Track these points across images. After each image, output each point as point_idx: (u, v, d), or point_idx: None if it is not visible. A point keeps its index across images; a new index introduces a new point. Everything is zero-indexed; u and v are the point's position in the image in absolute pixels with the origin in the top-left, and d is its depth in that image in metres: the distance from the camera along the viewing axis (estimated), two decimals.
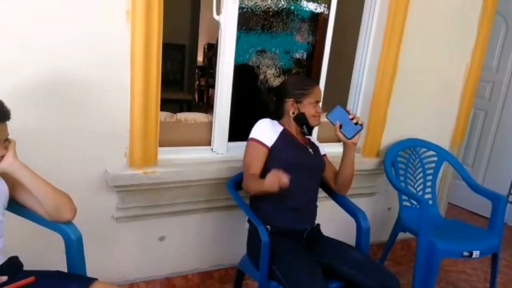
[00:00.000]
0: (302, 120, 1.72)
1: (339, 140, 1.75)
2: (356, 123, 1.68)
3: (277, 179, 1.43)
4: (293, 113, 1.72)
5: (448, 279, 2.53)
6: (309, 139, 1.85)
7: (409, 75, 2.37)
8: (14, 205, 1.29)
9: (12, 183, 1.27)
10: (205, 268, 2.14)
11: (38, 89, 1.54)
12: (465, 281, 2.54)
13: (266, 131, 1.70)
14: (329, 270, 1.57)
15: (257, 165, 1.66)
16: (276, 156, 1.67)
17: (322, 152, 1.85)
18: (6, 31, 1.45)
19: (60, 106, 1.60)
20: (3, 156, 1.17)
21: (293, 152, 1.70)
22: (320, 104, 1.76)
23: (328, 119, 1.71)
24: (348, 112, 1.70)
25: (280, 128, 1.73)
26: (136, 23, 1.60)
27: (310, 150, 1.78)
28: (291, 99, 1.71)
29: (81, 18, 1.54)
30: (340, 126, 1.68)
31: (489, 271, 2.26)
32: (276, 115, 1.78)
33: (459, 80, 2.61)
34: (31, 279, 1.05)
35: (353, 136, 1.69)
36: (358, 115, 2.38)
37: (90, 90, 1.63)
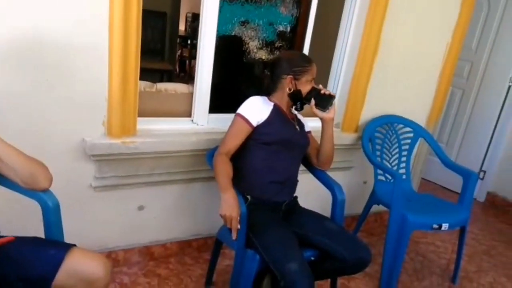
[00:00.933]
0: (297, 97, 1.72)
1: (316, 116, 1.77)
2: (328, 94, 1.70)
3: (229, 214, 1.47)
4: (290, 89, 1.72)
5: (417, 250, 2.65)
6: (296, 115, 1.86)
7: (391, 53, 2.39)
8: None
9: None
10: (184, 237, 2.17)
11: (11, 51, 1.48)
12: (434, 252, 2.66)
13: (255, 109, 1.70)
14: (304, 240, 1.62)
15: (235, 143, 1.67)
16: (266, 131, 1.68)
17: (306, 129, 1.87)
18: None
19: (36, 70, 1.55)
20: None
21: (283, 129, 1.72)
22: None
23: (303, 101, 1.72)
24: (318, 88, 1.71)
25: (271, 104, 1.73)
26: None
27: (297, 127, 1.80)
28: (290, 76, 1.70)
29: None
30: (315, 103, 1.70)
31: (456, 243, 2.38)
32: (267, 90, 1.78)
33: (439, 58, 2.65)
34: (11, 237, 1.05)
35: (328, 108, 1.71)
36: (338, 91, 2.42)
37: (67, 55, 1.58)
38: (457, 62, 2.74)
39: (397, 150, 2.55)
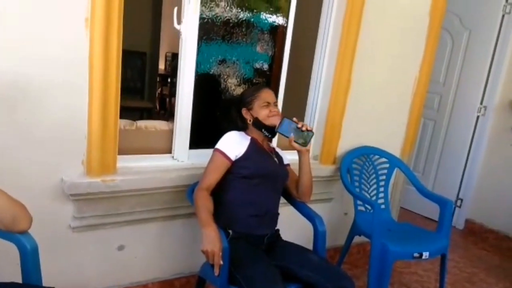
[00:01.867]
0: (258, 125, 1.79)
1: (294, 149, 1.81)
2: (306, 130, 1.75)
3: (211, 249, 1.46)
4: (250, 120, 1.80)
5: (401, 281, 2.65)
6: (274, 149, 1.91)
7: (362, 88, 2.50)
8: None
9: None
10: (166, 276, 2.13)
11: None
12: (417, 282, 2.67)
13: (232, 143, 1.74)
14: (287, 273, 1.62)
15: (214, 177, 1.70)
16: (245, 165, 1.71)
17: (285, 162, 1.91)
18: None
19: (14, 110, 1.55)
20: None
21: (261, 162, 1.76)
22: (277, 105, 1.84)
23: (279, 132, 1.76)
24: (296, 122, 1.76)
25: (248, 139, 1.78)
26: (95, 31, 1.59)
27: (276, 159, 1.84)
28: (244, 108, 1.81)
29: (40, 21, 1.52)
30: (295, 137, 1.75)
31: (438, 271, 2.40)
32: (242, 127, 1.84)
33: (409, 92, 2.78)
34: None
35: (308, 143, 1.77)
36: (315, 124, 2.49)
37: (46, 94, 1.59)
38: (427, 94, 2.88)
39: (374, 180, 2.61)
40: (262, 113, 1.77)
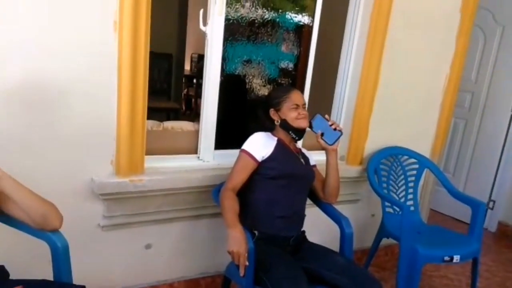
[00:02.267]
0: (286, 127, 1.77)
1: (321, 148, 1.81)
2: (335, 129, 1.75)
3: (237, 250, 1.46)
4: (277, 121, 1.78)
5: (431, 284, 2.58)
6: (300, 149, 1.89)
7: (391, 86, 2.44)
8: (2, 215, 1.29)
9: None
10: (192, 275, 2.14)
11: (22, 95, 1.54)
12: (447, 286, 2.59)
13: (259, 144, 1.74)
14: (313, 275, 1.60)
15: (240, 178, 1.70)
16: (271, 166, 1.71)
17: (312, 163, 1.90)
18: None
19: (45, 113, 1.60)
20: None
21: (288, 163, 1.75)
22: (306, 107, 1.81)
23: (309, 127, 1.77)
24: (328, 120, 1.77)
25: (275, 140, 1.78)
26: (123, 33, 1.62)
27: (302, 160, 1.83)
28: (272, 109, 1.79)
29: (69, 26, 1.56)
30: (322, 134, 1.74)
31: (470, 275, 2.32)
32: (269, 127, 1.83)
33: (439, 90, 2.70)
34: (19, 287, 1.05)
35: (334, 142, 1.76)
36: (341, 124, 2.45)
37: (77, 97, 1.64)
38: (458, 93, 2.78)
39: (403, 181, 2.54)
40: (290, 115, 1.76)
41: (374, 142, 2.47)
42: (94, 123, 1.70)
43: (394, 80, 2.45)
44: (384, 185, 2.48)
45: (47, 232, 1.29)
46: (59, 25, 1.54)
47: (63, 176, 1.69)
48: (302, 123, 1.76)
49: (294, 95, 1.78)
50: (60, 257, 1.30)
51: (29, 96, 1.56)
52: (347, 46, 2.39)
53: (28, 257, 1.58)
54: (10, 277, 1.28)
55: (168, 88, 4.91)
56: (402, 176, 2.54)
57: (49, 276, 1.32)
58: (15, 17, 1.47)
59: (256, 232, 1.68)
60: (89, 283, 1.32)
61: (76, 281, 1.35)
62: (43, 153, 1.63)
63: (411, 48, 2.47)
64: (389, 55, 2.35)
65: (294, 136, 1.78)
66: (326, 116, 1.79)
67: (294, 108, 1.75)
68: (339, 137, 1.77)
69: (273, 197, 1.72)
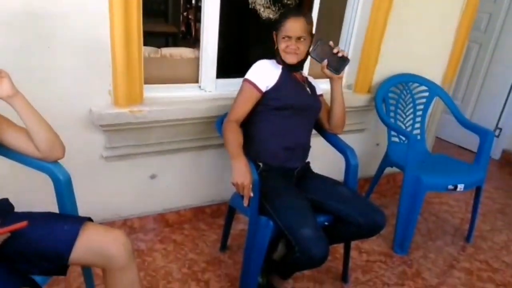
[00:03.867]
0: (278, 55, 1.65)
1: (326, 77, 1.70)
2: (342, 56, 1.62)
3: (242, 182, 1.42)
4: (276, 47, 1.66)
5: (430, 210, 2.64)
6: (306, 78, 1.79)
7: (405, 8, 2.26)
8: (1, 148, 1.25)
9: None
10: (197, 203, 2.19)
11: (14, 20, 1.43)
12: (447, 212, 2.65)
13: (263, 73, 1.64)
14: (317, 205, 1.61)
15: (243, 109, 1.63)
16: (276, 96, 1.63)
17: (318, 92, 1.81)
18: None
19: (38, 38, 1.50)
20: None
21: (293, 93, 1.66)
22: (303, 39, 1.60)
23: (312, 56, 1.63)
24: (332, 46, 1.62)
25: (279, 68, 1.67)
26: None
27: (308, 89, 1.74)
28: (274, 32, 1.65)
29: None
30: (327, 63, 1.62)
31: (470, 202, 2.36)
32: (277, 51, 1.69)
33: (456, 11, 2.51)
34: (23, 223, 1.05)
35: (341, 71, 1.65)
36: (351, 50, 2.32)
37: (68, 21, 1.52)
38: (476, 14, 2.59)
39: (411, 110, 2.48)
40: (280, 46, 1.63)
41: (384, 69, 2.36)
42: (88, 49, 1.59)
43: (409, 3, 2.26)
44: (392, 114, 2.41)
45: (48, 163, 1.26)
46: None
47: (63, 106, 1.63)
48: (289, 58, 1.62)
49: (289, 23, 1.59)
50: (63, 189, 1.29)
51: (22, 22, 1.45)
52: None
53: (33, 190, 1.58)
54: (15, 210, 1.28)
55: (165, 9, 4.63)
56: (411, 105, 2.47)
57: (55, 208, 1.32)
58: None
59: (260, 163, 1.66)
60: (95, 214, 1.34)
61: (82, 212, 1.35)
62: (41, 83, 1.56)
63: None
64: None
65: (284, 68, 1.66)
66: (330, 42, 1.62)
67: (284, 39, 1.61)
68: (346, 65, 1.64)
69: (277, 129, 1.67)
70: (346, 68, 2.32)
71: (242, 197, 1.49)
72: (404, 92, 2.45)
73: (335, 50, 1.61)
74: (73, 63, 1.59)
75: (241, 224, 2.18)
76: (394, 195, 2.66)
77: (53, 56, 1.54)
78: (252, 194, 1.46)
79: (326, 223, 1.63)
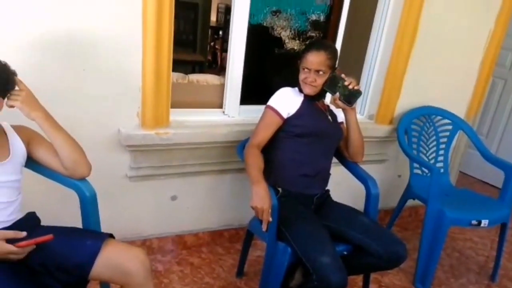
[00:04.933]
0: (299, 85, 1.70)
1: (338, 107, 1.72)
2: (354, 89, 1.64)
3: (261, 206, 1.43)
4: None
5: (454, 246, 2.56)
6: (328, 106, 1.82)
7: (429, 41, 2.29)
8: (30, 162, 1.31)
9: (28, 139, 1.28)
10: (216, 227, 2.20)
11: (50, 47, 1.53)
12: (471, 249, 2.57)
13: (285, 100, 1.68)
14: (336, 234, 1.59)
15: (265, 134, 1.66)
16: (297, 123, 1.66)
17: (339, 120, 1.83)
18: None
19: (73, 64, 1.59)
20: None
21: (315, 120, 1.69)
22: (322, 72, 1.63)
23: (325, 89, 1.67)
24: (344, 79, 1.64)
25: (301, 96, 1.71)
26: None
27: (330, 117, 1.76)
28: (298, 61, 1.70)
29: None
30: (339, 95, 1.65)
31: (495, 239, 2.28)
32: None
33: (480, 46, 2.51)
34: (49, 236, 1.09)
35: (353, 103, 1.67)
36: (373, 81, 2.35)
37: (103, 48, 1.61)
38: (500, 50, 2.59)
39: (434, 143, 2.45)
40: (300, 76, 1.68)
41: (406, 101, 2.36)
42: (120, 74, 1.68)
43: (434, 35, 2.29)
44: (414, 146, 2.40)
45: (75, 180, 1.31)
46: None
47: (92, 126, 1.70)
48: (306, 89, 1.67)
49: (310, 56, 1.63)
50: (88, 205, 1.34)
51: (59, 46, 1.54)
52: None
53: (58, 204, 1.63)
54: (41, 224, 1.32)
55: (194, 39, 4.81)
56: (434, 137, 2.45)
57: (78, 223, 1.36)
58: None
59: (279, 189, 1.67)
60: (117, 231, 1.36)
61: (104, 228, 1.39)
62: (73, 103, 1.64)
63: (452, 2, 2.27)
64: (429, 8, 2.18)
65: (305, 98, 1.70)
66: (343, 75, 1.65)
67: (304, 70, 1.66)
68: (358, 97, 1.66)
69: (298, 155, 1.68)
70: (368, 99, 2.36)
71: (261, 221, 1.50)
72: (427, 124, 2.44)
73: (346, 82, 1.64)
74: (105, 86, 1.67)
75: (258, 250, 2.17)
76: (416, 229, 2.60)
77: (87, 79, 1.63)
78: (270, 219, 1.47)
79: (345, 253, 1.60)
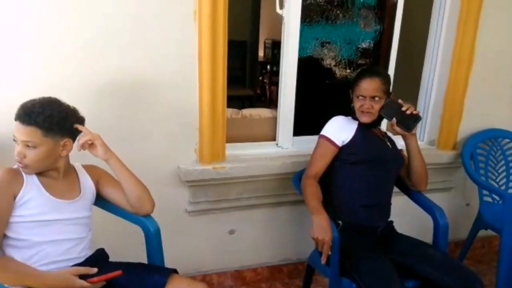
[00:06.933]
0: (354, 113, 1.67)
1: (396, 134, 1.67)
2: (412, 114, 1.59)
3: (322, 237, 1.40)
4: (352, 105, 1.69)
5: None
6: (386, 133, 1.78)
7: (488, 62, 2.18)
8: (98, 200, 1.39)
9: (97, 178, 1.37)
10: (274, 262, 2.15)
11: (114, 87, 1.64)
12: None
13: (338, 129, 1.66)
14: (404, 269, 1.50)
15: (321, 164, 1.64)
16: (353, 151, 1.63)
17: (398, 147, 1.77)
18: (78, 34, 1.55)
19: (134, 106, 1.69)
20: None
21: (371, 146, 1.65)
22: (378, 98, 1.60)
23: (382, 115, 1.63)
24: (401, 104, 1.60)
25: (355, 123, 1.68)
26: (202, 23, 1.64)
27: (388, 144, 1.71)
28: (351, 90, 1.69)
29: (151, 18, 1.61)
30: (397, 121, 1.60)
31: None
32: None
33: None
34: (118, 272, 1.12)
35: (413, 128, 1.61)
36: (431, 105, 2.26)
37: (162, 89, 1.70)
38: None
39: (504, 167, 2.29)
40: (356, 104, 1.66)
41: (469, 124, 2.24)
42: (178, 114, 1.75)
43: (492, 54, 2.18)
44: (482, 171, 2.25)
45: (140, 216, 1.36)
46: (140, 18, 1.60)
47: (154, 164, 1.77)
48: (363, 118, 1.63)
49: (364, 84, 1.61)
50: (153, 240, 1.37)
51: (119, 89, 1.65)
52: (436, 20, 2.17)
53: (124, 240, 1.69)
54: (109, 259, 1.37)
55: (243, 75, 4.96)
56: (503, 162, 2.28)
57: (143, 258, 1.40)
58: (102, 8, 1.55)
59: (340, 221, 1.62)
60: (177, 266, 1.38)
61: (166, 263, 1.41)
62: (134, 143, 1.72)
63: (508, 15, 2.16)
64: (486, 27, 2.09)
65: (361, 126, 1.67)
66: (399, 100, 1.61)
67: (359, 98, 1.64)
68: (417, 122, 1.60)
69: (356, 185, 1.63)
70: (428, 124, 2.27)
71: (321, 254, 1.45)
72: (494, 148, 2.29)
73: (404, 108, 1.59)
74: (165, 126, 1.75)
75: (319, 286, 2.08)
76: (491, 262, 2.39)
77: (149, 120, 1.72)
78: (329, 252, 1.42)
79: None
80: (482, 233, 2.23)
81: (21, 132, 1.15)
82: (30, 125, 1.14)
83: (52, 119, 1.16)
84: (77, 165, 1.36)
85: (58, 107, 1.20)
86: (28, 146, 1.16)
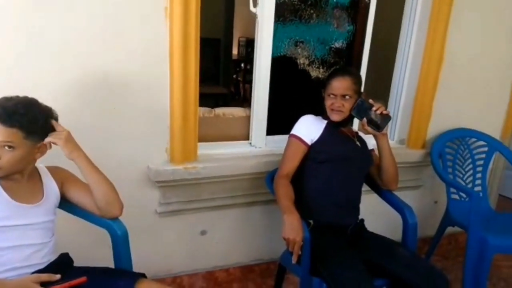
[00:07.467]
0: (325, 112, 1.68)
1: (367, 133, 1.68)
2: (382, 114, 1.61)
3: (293, 237, 1.39)
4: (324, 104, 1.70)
5: (499, 275, 2.40)
6: (356, 132, 1.79)
7: (457, 62, 2.24)
8: (63, 202, 1.33)
9: (61, 180, 1.31)
10: (246, 262, 2.14)
11: (83, 91, 1.58)
12: None
13: (307, 127, 1.67)
14: (374, 267, 1.51)
15: (292, 163, 1.64)
16: (322, 149, 1.64)
17: (369, 147, 1.79)
18: (49, 36, 1.49)
19: (102, 104, 1.63)
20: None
21: (339, 145, 1.67)
22: (348, 97, 1.62)
23: (353, 114, 1.65)
24: (372, 104, 1.62)
25: (324, 122, 1.69)
26: (174, 19, 1.60)
27: (358, 143, 1.73)
28: (322, 89, 1.70)
29: (120, 16, 1.56)
30: (368, 121, 1.62)
31: None
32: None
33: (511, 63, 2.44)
34: (83, 279, 1.08)
35: (383, 128, 1.63)
36: (401, 105, 2.30)
37: (131, 88, 1.65)
38: None
39: (470, 166, 2.36)
40: (326, 103, 1.67)
41: (438, 124, 2.30)
42: (148, 112, 1.71)
43: (461, 55, 2.25)
44: (450, 170, 2.31)
45: (107, 219, 1.31)
46: (109, 15, 1.55)
47: (121, 164, 1.72)
48: (333, 116, 1.65)
49: (335, 82, 1.63)
50: (120, 244, 1.33)
51: (87, 88, 1.59)
52: (407, 21, 2.21)
53: (90, 244, 1.63)
54: (74, 264, 1.32)
55: (217, 73, 4.92)
56: (470, 160, 2.35)
57: (110, 262, 1.35)
58: (71, 8, 1.49)
59: (311, 221, 1.62)
60: (147, 268, 1.35)
61: (135, 265, 1.37)
62: (103, 143, 1.66)
63: (480, 18, 2.23)
64: (455, 27, 2.14)
65: (333, 124, 1.68)
66: (370, 100, 1.63)
67: (330, 96, 1.65)
68: (387, 122, 1.63)
69: (326, 184, 1.64)
70: (398, 123, 2.31)
71: (292, 254, 1.44)
72: (462, 147, 2.36)
73: (374, 108, 1.61)
74: (135, 125, 1.70)
75: (291, 285, 2.09)
76: (457, 257, 2.46)
77: (117, 117, 1.66)
78: (300, 252, 1.41)
79: (384, 287, 1.52)
80: (449, 229, 2.29)
81: (1, 132, 1.09)
82: (12, 126, 1.09)
83: (36, 122, 1.13)
84: (41, 167, 1.30)
85: (39, 108, 1.16)
86: (4, 147, 1.10)
